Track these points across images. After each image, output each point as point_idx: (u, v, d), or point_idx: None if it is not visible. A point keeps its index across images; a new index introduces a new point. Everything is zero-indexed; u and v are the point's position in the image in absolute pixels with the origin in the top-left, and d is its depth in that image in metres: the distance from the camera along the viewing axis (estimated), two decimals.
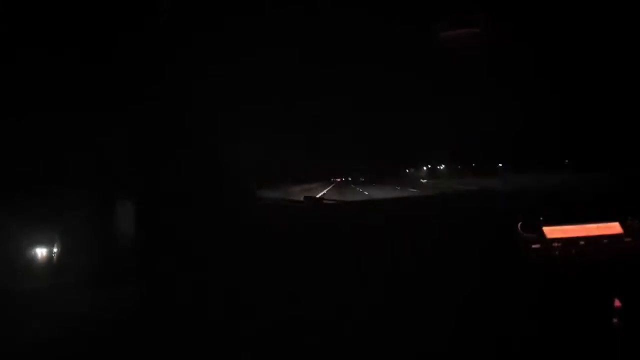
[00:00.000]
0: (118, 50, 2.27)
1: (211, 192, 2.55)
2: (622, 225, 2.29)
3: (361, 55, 4.35)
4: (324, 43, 4.09)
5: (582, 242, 2.22)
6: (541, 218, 2.29)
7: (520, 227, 2.27)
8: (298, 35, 3.76)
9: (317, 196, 3.75)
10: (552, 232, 2.25)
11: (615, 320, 2.07)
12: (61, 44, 2.16)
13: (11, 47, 2.04)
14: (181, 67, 2.58)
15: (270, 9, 3.36)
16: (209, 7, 2.98)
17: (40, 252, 2.15)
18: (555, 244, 2.22)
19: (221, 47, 3.19)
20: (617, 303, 2.09)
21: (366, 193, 7.67)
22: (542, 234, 2.25)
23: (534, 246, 2.22)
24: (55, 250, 2.14)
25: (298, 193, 4.60)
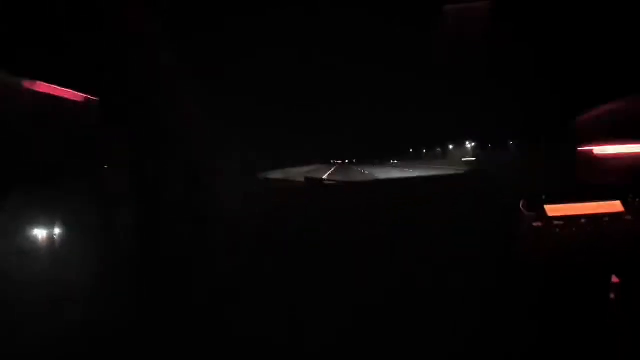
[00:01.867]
0: (121, 51, 2.27)
1: (210, 189, 2.57)
2: (624, 203, 2.30)
3: (363, 52, 4.32)
4: (324, 39, 4.05)
5: (583, 220, 2.24)
6: (543, 197, 2.30)
7: (523, 205, 2.29)
8: (299, 34, 3.73)
9: (319, 177, 3.76)
10: (553, 210, 2.27)
11: (612, 295, 2.10)
12: (62, 43, 2.15)
13: (14, 47, 2.04)
14: (182, 67, 2.57)
15: (270, 9, 3.33)
16: (209, 7, 2.95)
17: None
18: (557, 222, 2.24)
19: (221, 47, 3.18)
20: (614, 279, 2.12)
21: (366, 172, 7.66)
22: (544, 212, 2.27)
23: (535, 224, 2.25)
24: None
25: (299, 175, 4.63)
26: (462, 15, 2.98)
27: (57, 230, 2.17)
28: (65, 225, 2.19)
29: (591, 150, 2.47)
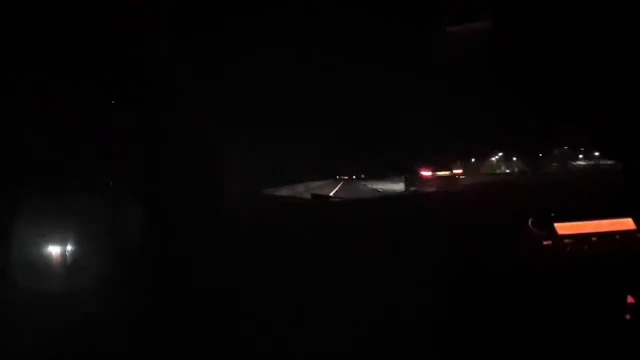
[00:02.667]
0: (125, 54, 2.32)
1: (217, 195, 2.59)
2: (636, 221, 2.25)
3: (364, 54, 4.34)
4: (327, 43, 4.09)
5: (594, 238, 2.19)
6: (552, 214, 2.27)
7: (531, 223, 2.25)
8: (302, 36, 3.77)
9: (325, 194, 3.76)
10: (563, 228, 2.22)
11: (628, 316, 2.04)
12: (66, 46, 2.21)
13: (22, 50, 2.09)
14: (186, 70, 2.62)
15: (270, 9, 3.38)
16: (210, 8, 3.01)
17: (55, 251, 2.20)
18: (567, 241, 2.20)
19: (224, 48, 3.23)
20: (630, 299, 2.06)
21: (369, 186, 7.63)
22: (554, 230, 2.23)
23: (545, 243, 2.20)
24: (68, 249, 2.19)
25: (305, 191, 4.64)
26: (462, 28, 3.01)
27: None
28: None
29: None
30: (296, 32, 3.78)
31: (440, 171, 4.66)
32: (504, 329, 1.94)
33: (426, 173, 4.70)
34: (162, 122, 2.52)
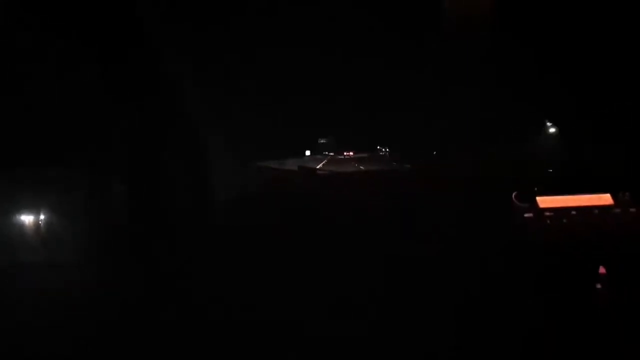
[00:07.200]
0: (120, 45, 2.27)
1: (203, 176, 2.57)
2: (613, 196, 2.34)
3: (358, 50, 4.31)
4: (321, 38, 4.04)
5: (573, 212, 2.29)
6: (535, 188, 2.35)
7: (515, 196, 2.33)
8: (297, 32, 3.72)
9: (312, 167, 3.77)
10: (544, 202, 2.31)
11: (598, 286, 2.15)
12: (68, 38, 2.15)
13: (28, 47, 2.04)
14: (178, 60, 2.57)
15: (267, 7, 3.32)
16: (206, 7, 2.95)
17: (29, 222, 2.16)
18: (548, 213, 2.28)
19: (219, 43, 3.18)
20: (602, 270, 2.17)
21: (337, 157, 7.94)
22: (535, 203, 2.31)
23: (526, 215, 2.29)
24: (42, 220, 2.15)
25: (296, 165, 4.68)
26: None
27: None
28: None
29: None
30: (289, 27, 3.71)
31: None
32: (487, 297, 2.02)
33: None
34: (158, 112, 2.47)
